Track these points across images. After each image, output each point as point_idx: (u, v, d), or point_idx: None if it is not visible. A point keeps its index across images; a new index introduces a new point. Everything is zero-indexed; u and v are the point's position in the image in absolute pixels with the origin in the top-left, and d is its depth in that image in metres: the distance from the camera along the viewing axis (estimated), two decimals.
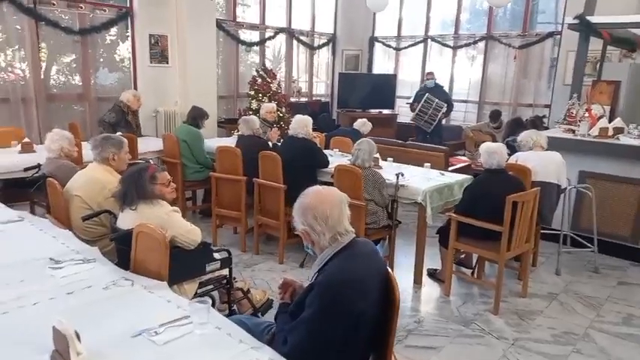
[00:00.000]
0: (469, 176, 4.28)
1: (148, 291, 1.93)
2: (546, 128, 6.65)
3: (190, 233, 2.54)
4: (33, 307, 1.78)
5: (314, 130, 6.20)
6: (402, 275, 4.01)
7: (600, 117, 4.79)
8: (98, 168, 3.01)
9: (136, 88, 6.71)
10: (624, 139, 4.51)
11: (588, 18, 4.55)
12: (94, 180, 2.94)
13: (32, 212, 4.18)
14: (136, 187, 2.46)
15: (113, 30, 6.54)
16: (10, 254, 2.24)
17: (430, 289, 3.89)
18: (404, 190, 3.84)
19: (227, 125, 7.30)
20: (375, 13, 9.43)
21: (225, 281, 2.84)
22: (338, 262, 1.63)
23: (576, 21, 4.59)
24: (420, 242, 3.89)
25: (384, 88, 8.98)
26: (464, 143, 7.94)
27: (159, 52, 6.73)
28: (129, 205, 2.48)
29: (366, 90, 8.84)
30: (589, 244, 4.35)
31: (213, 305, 3.03)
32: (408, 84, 9.43)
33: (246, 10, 8.50)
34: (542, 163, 3.99)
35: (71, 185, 2.97)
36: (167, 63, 6.84)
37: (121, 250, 2.45)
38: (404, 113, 9.01)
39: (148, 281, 2.01)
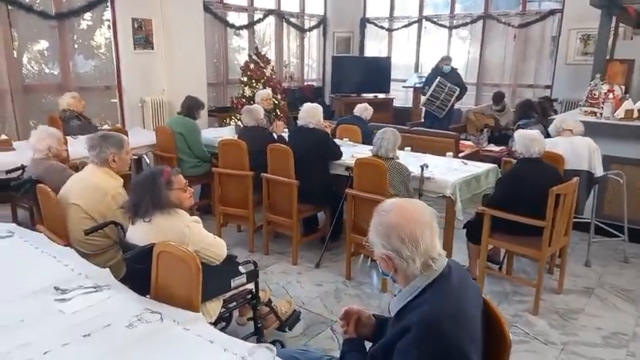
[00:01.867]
0: (494, 165, 3.99)
1: (183, 328, 1.58)
2: (555, 111, 6.43)
3: (215, 247, 2.20)
4: (43, 358, 1.41)
5: None
6: None
7: (622, 98, 4.56)
8: (97, 172, 2.61)
9: (119, 76, 6.21)
10: None
11: None
12: (94, 186, 2.54)
13: (15, 217, 3.78)
14: (151, 195, 2.09)
15: (87, 14, 6.00)
16: (3, 284, 1.85)
17: None
18: (430, 182, 3.54)
19: (218, 114, 6.87)
20: None
21: (250, 296, 2.51)
22: (436, 297, 1.30)
23: None
24: (448, 239, 3.60)
25: (378, 72, 8.62)
26: (465, 126, 7.68)
27: (143, 37, 6.22)
28: (142, 217, 2.12)
29: (360, 74, 8.47)
30: (617, 233, 4.14)
31: (229, 324, 2.72)
32: (401, 67, 9.10)
33: None
34: (571, 149, 3.73)
35: (67, 192, 2.57)
36: (152, 49, 6.33)
37: (135, 269, 2.08)
38: (399, 97, 8.70)
39: (179, 314, 1.66)
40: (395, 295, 1.48)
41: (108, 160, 2.61)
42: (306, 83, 8.74)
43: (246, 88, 6.65)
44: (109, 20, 6.10)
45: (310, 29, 8.70)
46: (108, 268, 2.01)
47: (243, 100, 6.63)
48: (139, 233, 2.15)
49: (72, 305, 1.69)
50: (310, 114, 3.95)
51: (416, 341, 1.23)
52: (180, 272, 1.78)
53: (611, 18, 4.56)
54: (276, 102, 6.43)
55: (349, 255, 3.67)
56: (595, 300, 3.45)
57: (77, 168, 3.64)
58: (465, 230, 3.69)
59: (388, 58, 8.89)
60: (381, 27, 9.20)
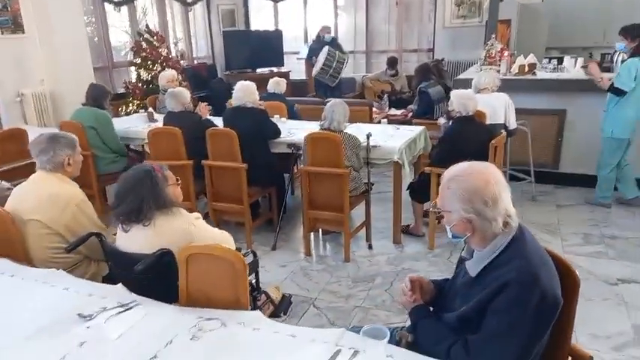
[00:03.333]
0: (423, 127, 4.24)
1: (252, 328, 1.49)
2: (446, 71, 6.96)
3: (224, 242, 2.07)
4: None
5: (204, 98, 5.49)
6: (380, 238, 3.91)
7: (512, 55, 5.11)
8: (51, 179, 2.26)
9: None
10: (540, 74, 4.88)
11: None
12: (52, 196, 2.20)
13: None
14: (153, 196, 1.88)
15: None
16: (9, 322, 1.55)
17: (411, 247, 3.83)
18: (377, 150, 3.66)
19: (113, 102, 6.24)
20: None
21: (250, 288, 2.41)
22: (522, 251, 1.40)
23: None
24: (397, 201, 3.79)
25: (270, 45, 8.49)
26: (362, 94, 7.99)
27: (10, 19, 5.34)
28: (142, 222, 1.90)
29: (252, 48, 8.26)
30: (525, 176, 4.72)
31: None
32: (290, 38, 9.05)
33: None
34: (490, 105, 4.11)
35: (19, 207, 2.19)
36: (23, 32, 5.48)
37: (146, 280, 1.87)
38: (295, 70, 8.70)
39: (237, 315, 1.56)
40: (465, 257, 1.54)
41: (63, 164, 2.27)
42: (196, 61, 8.29)
43: (142, 70, 6.11)
44: None
45: (194, 2, 8.20)
46: (120, 284, 1.79)
47: (140, 84, 6.11)
48: (136, 240, 1.93)
49: (112, 330, 1.48)
50: (247, 93, 3.81)
51: (519, 295, 1.32)
52: (221, 273, 1.65)
53: None
54: (180, 83, 6.01)
55: (308, 231, 3.69)
56: None
57: None
58: (408, 192, 3.91)
59: (279, 31, 8.78)
60: None
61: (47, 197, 2.20)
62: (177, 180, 2.07)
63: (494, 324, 1.35)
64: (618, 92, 3.92)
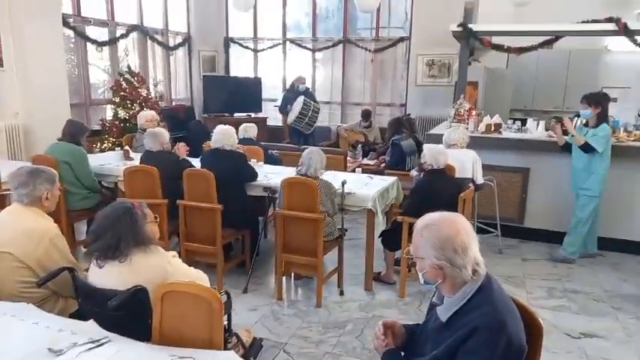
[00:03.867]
0: (395, 178, 4.38)
1: None
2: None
3: (199, 281, 2.07)
4: None
5: (181, 139, 5.54)
6: (351, 284, 3.94)
7: (480, 114, 5.40)
8: (27, 213, 2.25)
9: None
10: (505, 133, 5.16)
11: (471, 26, 5.04)
12: (27, 230, 2.18)
13: None
14: (132, 233, 1.89)
15: None
16: None
17: (382, 294, 3.87)
18: (351, 197, 3.75)
19: (88, 139, 6.20)
20: (227, 13, 9.16)
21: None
22: (490, 298, 1.47)
23: (460, 28, 5.06)
24: (370, 248, 3.86)
25: (249, 92, 8.69)
26: (336, 143, 8.19)
27: None
28: (118, 258, 1.90)
29: (231, 93, 8.44)
30: (491, 229, 4.88)
31: None
32: (268, 86, 9.28)
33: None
34: (458, 160, 4.30)
35: None
36: (1, 66, 5.50)
37: (118, 317, 1.85)
38: (273, 116, 8.89)
39: (209, 355, 1.56)
40: (436, 303, 1.61)
41: (41, 198, 2.27)
42: (174, 103, 8.38)
43: (120, 109, 6.15)
44: None
45: (176, 47, 8.39)
46: (91, 320, 1.76)
47: (117, 122, 6.13)
48: (110, 277, 1.92)
49: None
50: (226, 136, 3.89)
51: (488, 340, 1.39)
52: (197, 311, 1.66)
53: (468, 46, 5.35)
54: (158, 123, 6.06)
55: (280, 275, 3.70)
56: None
57: None
58: (380, 239, 3.99)
59: (259, 79, 9.02)
60: (246, 47, 9.30)
61: (22, 231, 2.17)
62: (155, 218, 2.09)
63: None
64: (589, 150, 4.23)
